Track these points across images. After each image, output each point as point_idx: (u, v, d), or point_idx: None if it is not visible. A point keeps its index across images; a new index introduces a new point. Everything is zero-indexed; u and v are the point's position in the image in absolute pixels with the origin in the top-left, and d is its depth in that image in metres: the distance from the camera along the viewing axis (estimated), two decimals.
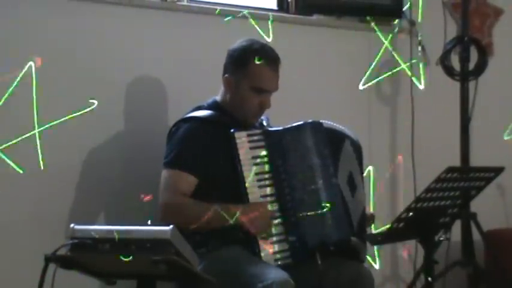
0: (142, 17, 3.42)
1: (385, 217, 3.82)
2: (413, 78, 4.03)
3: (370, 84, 4.05)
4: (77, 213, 3.17)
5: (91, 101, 3.14)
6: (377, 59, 4.01)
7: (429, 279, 2.74)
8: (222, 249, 2.84)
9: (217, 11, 3.56)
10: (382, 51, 4.06)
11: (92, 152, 3.25)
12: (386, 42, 4.04)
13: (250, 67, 2.97)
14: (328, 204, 2.92)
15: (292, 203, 2.92)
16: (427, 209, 2.68)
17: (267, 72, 2.99)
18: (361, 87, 4.01)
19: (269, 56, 3.00)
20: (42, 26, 3.15)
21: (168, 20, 3.49)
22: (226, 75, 3.03)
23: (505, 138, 4.28)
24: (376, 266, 3.77)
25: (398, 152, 4.11)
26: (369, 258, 3.52)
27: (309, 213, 2.90)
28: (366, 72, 4.00)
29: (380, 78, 4.07)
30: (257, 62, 2.96)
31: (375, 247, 3.72)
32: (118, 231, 2.33)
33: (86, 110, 3.14)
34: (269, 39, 3.48)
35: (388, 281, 4.11)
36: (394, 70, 4.09)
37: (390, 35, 4.10)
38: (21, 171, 3.02)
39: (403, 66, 4.06)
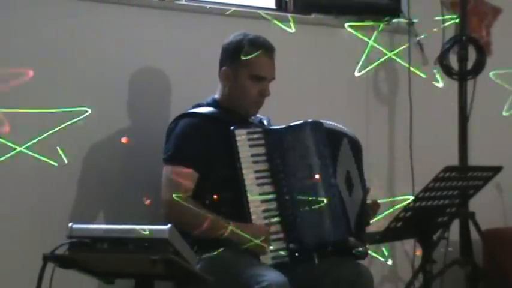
0: (141, 16, 3.41)
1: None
2: (410, 77, 4.04)
3: (368, 83, 4.05)
4: (75, 212, 3.17)
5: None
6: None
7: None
8: (218, 249, 2.82)
9: (215, 10, 3.57)
10: (380, 50, 4.07)
11: (91, 150, 3.25)
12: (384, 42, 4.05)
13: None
14: (325, 200, 2.91)
15: (290, 202, 2.91)
16: (425, 208, 2.68)
17: (265, 60, 3.03)
18: (359, 86, 4.02)
19: (265, 44, 3.05)
20: (42, 25, 3.15)
21: (166, 19, 3.49)
22: (223, 68, 3.04)
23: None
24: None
25: (396, 151, 4.11)
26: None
27: (306, 211, 2.89)
28: (364, 71, 4.00)
29: (378, 77, 4.08)
30: (254, 52, 2.99)
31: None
32: (116, 230, 2.33)
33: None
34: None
35: (386, 281, 4.10)
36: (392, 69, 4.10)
37: (388, 34, 4.10)
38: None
39: (404, 63, 4.07)
